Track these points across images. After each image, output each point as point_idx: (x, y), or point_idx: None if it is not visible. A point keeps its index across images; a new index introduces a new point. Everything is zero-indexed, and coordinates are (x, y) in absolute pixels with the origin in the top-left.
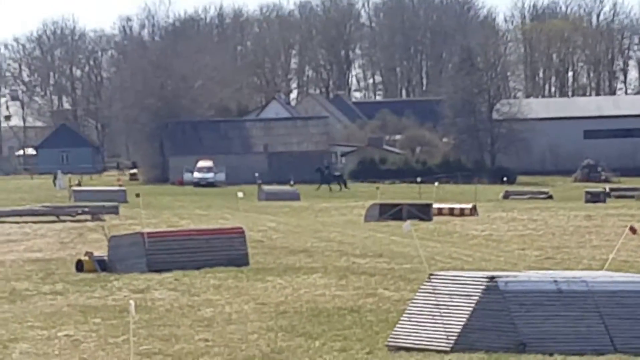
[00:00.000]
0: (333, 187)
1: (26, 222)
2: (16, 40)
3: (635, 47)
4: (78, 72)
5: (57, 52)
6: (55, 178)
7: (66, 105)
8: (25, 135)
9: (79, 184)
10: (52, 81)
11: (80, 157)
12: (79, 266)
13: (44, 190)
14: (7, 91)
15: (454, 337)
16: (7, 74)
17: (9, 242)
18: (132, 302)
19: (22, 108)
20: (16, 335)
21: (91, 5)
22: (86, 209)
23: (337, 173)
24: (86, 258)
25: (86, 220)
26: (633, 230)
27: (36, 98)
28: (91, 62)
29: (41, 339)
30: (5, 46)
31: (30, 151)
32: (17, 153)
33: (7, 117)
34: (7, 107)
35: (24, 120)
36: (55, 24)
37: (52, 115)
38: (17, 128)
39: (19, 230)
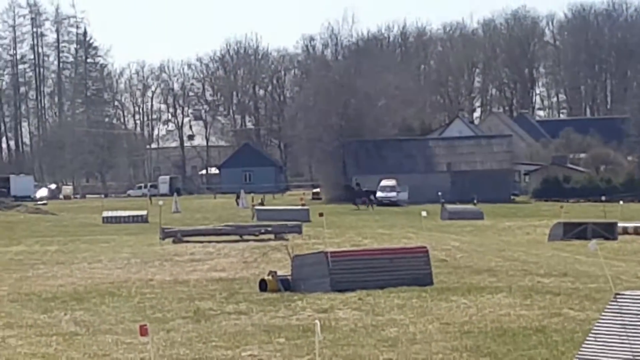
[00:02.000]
0: (361, 206)
1: (209, 242)
2: (199, 60)
3: None
4: (261, 92)
5: (240, 71)
6: (238, 197)
7: (249, 125)
8: (209, 154)
9: (262, 203)
10: (235, 100)
11: (263, 176)
12: (263, 286)
13: (226, 210)
14: (190, 111)
15: None
16: (191, 93)
17: (192, 261)
18: (317, 321)
19: (206, 127)
20: (200, 355)
21: (274, 25)
22: (269, 229)
23: (366, 189)
24: (270, 277)
25: (269, 240)
26: None
27: (219, 117)
28: (274, 82)
29: (225, 358)
30: (189, 66)
31: (214, 170)
32: (200, 172)
33: (191, 137)
34: (191, 127)
35: (207, 139)
36: (239, 44)
37: (235, 135)
38: (200, 147)
39: (202, 249)
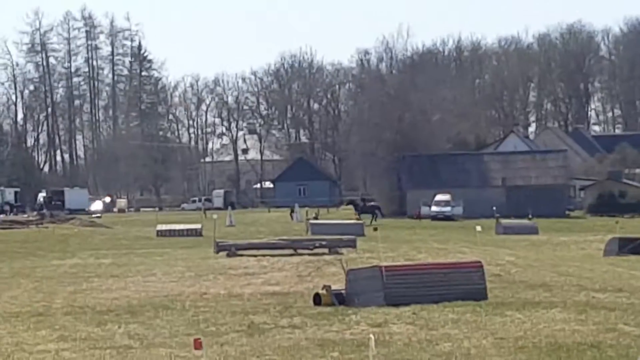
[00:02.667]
0: (365, 219)
1: (264, 255)
2: (254, 73)
3: None
4: (315, 105)
5: (294, 85)
6: (292, 211)
7: (303, 139)
8: (263, 168)
9: (316, 217)
10: (289, 114)
11: (317, 190)
12: (317, 300)
13: (281, 224)
14: (245, 124)
15: None
16: (245, 107)
17: (247, 275)
18: (371, 336)
19: (260, 141)
20: None
21: (329, 39)
22: (323, 243)
23: (372, 203)
24: (324, 292)
25: (324, 254)
26: None
27: (274, 131)
28: (329, 95)
29: None
30: (244, 80)
31: (268, 184)
32: (254, 186)
33: (245, 151)
34: (245, 141)
35: (262, 153)
36: (293, 58)
37: (289, 149)
38: (254, 161)
39: (256, 263)
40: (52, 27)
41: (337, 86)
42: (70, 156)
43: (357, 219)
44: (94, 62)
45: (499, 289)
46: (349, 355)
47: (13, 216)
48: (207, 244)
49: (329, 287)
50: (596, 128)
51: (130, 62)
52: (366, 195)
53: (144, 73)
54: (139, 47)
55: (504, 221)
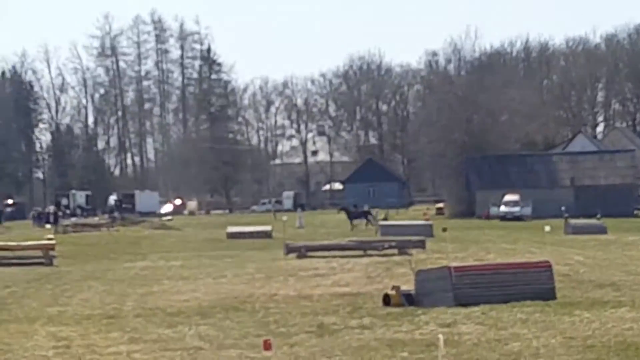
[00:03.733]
0: (357, 224)
1: (333, 257)
2: (323, 75)
3: None
4: (384, 107)
5: (363, 87)
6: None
7: (372, 140)
8: (332, 170)
9: (386, 219)
10: (358, 116)
11: (387, 191)
12: (386, 300)
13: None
14: (314, 126)
15: None
16: (314, 109)
17: (316, 276)
18: (440, 336)
19: (329, 143)
20: None
21: (397, 40)
22: (393, 243)
23: (365, 208)
24: (393, 292)
25: (393, 255)
26: None
27: (343, 133)
28: (397, 97)
29: None
30: (312, 82)
31: (337, 186)
32: (324, 188)
33: (314, 152)
34: (314, 142)
35: (331, 155)
36: (362, 59)
37: (358, 150)
38: (323, 163)
39: (326, 264)
40: (122, 31)
41: (405, 87)
42: (141, 159)
43: (352, 225)
44: (164, 66)
45: (567, 288)
46: (418, 355)
47: (84, 219)
48: (277, 246)
49: (398, 287)
50: None
51: (200, 65)
52: (356, 202)
53: (213, 76)
54: (209, 50)
55: (572, 221)
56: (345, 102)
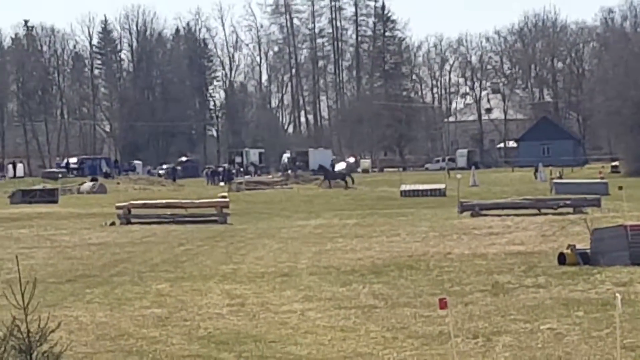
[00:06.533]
0: (333, 183)
1: (508, 215)
2: (497, 33)
3: None
4: (559, 64)
5: (538, 44)
6: (536, 171)
7: (547, 98)
8: (506, 128)
9: (560, 177)
10: (533, 74)
11: (561, 149)
12: (561, 259)
13: (524, 183)
14: (488, 84)
15: None
16: (489, 67)
17: (490, 235)
18: (618, 294)
19: (503, 101)
20: (499, 328)
21: None
22: (567, 202)
23: (341, 170)
24: (568, 251)
25: (568, 213)
26: None
27: (517, 91)
28: (572, 55)
29: (524, 332)
30: (487, 39)
31: (511, 144)
32: (497, 146)
33: (488, 110)
34: (489, 100)
35: (505, 113)
36: (537, 16)
37: (532, 108)
38: (497, 121)
39: (500, 223)
40: None
41: (581, 45)
42: (314, 117)
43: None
44: (338, 23)
45: None
46: (593, 315)
47: (258, 177)
48: (451, 204)
49: (574, 246)
50: None
51: (374, 22)
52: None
53: (387, 33)
54: (383, 7)
55: None
56: (519, 60)
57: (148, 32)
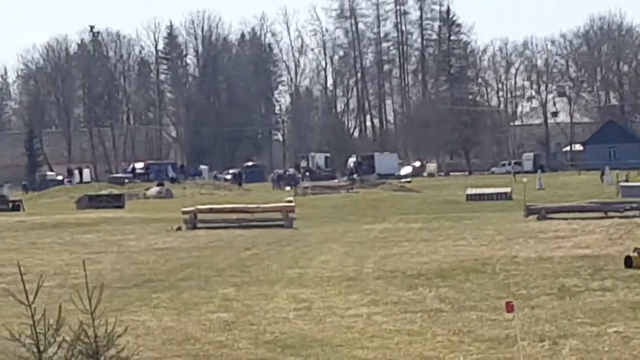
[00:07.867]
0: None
1: (574, 219)
2: (563, 36)
3: None
4: (625, 68)
5: (604, 47)
6: (602, 174)
7: (613, 101)
8: (572, 131)
9: (627, 180)
10: (599, 77)
11: (628, 152)
12: (628, 262)
13: (591, 186)
14: (554, 87)
15: None
16: (554, 70)
17: (557, 238)
18: None
19: (569, 104)
20: (565, 331)
21: (638, 0)
22: (634, 205)
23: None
24: (635, 254)
25: (634, 216)
26: None
27: (583, 94)
28: (638, 57)
29: (590, 335)
30: (553, 42)
31: (577, 147)
32: (564, 149)
33: (554, 114)
34: (555, 104)
35: (571, 116)
36: (602, 20)
37: (599, 111)
38: (564, 124)
39: (567, 226)
40: None
41: None
42: (380, 121)
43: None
44: (403, 27)
45: None
46: None
47: (324, 182)
48: (517, 208)
49: None
50: None
51: (439, 26)
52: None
53: (452, 37)
54: (448, 11)
55: None
56: (585, 63)
57: (213, 37)
